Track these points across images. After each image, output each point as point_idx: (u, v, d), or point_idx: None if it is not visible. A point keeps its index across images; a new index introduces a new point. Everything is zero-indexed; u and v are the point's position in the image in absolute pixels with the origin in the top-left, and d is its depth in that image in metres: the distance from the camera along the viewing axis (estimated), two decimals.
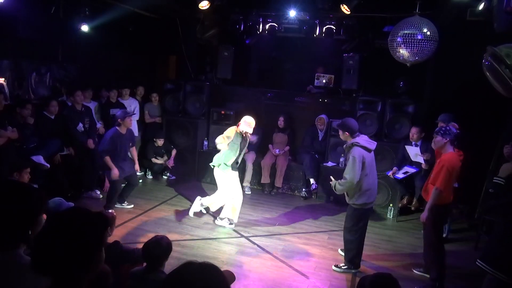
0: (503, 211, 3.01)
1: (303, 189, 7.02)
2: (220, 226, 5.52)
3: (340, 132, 4.42)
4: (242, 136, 5.43)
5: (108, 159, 5.47)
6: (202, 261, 1.29)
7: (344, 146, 4.45)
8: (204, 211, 5.85)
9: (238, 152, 5.46)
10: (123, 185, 5.98)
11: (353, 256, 4.47)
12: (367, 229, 4.62)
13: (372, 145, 4.34)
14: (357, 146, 4.23)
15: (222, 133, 5.49)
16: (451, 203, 4.29)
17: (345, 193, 4.41)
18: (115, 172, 5.51)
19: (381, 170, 6.34)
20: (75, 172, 6.16)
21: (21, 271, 1.50)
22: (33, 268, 1.32)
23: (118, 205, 6.00)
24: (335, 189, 4.36)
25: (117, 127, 5.58)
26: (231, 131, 5.39)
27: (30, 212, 1.66)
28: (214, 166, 5.50)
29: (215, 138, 5.44)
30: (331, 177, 4.54)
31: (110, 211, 5.63)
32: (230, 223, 5.54)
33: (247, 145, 5.68)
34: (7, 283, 1.57)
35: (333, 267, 4.55)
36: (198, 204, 5.72)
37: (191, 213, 5.74)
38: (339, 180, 4.32)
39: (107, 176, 5.81)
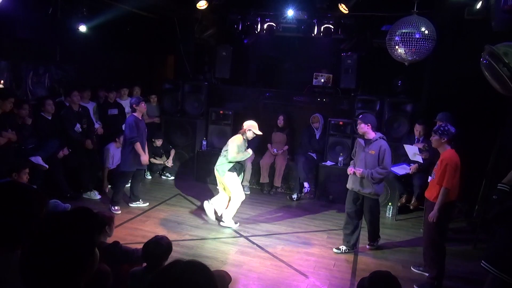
0: (509, 217, 3.02)
1: (296, 193, 6.91)
2: (226, 227, 5.50)
3: (362, 125, 4.65)
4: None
5: (138, 145, 5.62)
6: (188, 259, 1.28)
7: (372, 138, 4.64)
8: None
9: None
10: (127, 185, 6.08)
11: (376, 234, 5.08)
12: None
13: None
14: (383, 139, 4.65)
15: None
16: (456, 200, 4.32)
17: (364, 183, 4.68)
18: (144, 158, 5.72)
19: None
20: (74, 172, 6.16)
21: None
22: (24, 283, 1.26)
23: (133, 204, 6.06)
24: (371, 178, 4.59)
25: (134, 114, 5.74)
26: (239, 143, 5.39)
27: (31, 213, 1.66)
28: (224, 172, 5.47)
29: (232, 153, 5.36)
30: (354, 169, 4.72)
31: (115, 207, 5.74)
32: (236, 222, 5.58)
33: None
34: (7, 284, 1.56)
35: (368, 246, 5.09)
36: (229, 220, 5.53)
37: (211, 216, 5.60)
38: (377, 169, 4.57)
39: (121, 167, 5.87)
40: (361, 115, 4.87)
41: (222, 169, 5.45)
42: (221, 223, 5.53)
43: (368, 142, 4.67)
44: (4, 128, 5.04)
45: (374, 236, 5.10)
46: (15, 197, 1.65)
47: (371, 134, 4.65)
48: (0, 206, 1.62)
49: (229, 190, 5.50)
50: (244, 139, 5.45)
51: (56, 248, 1.26)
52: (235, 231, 5.41)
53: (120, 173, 5.95)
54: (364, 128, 4.65)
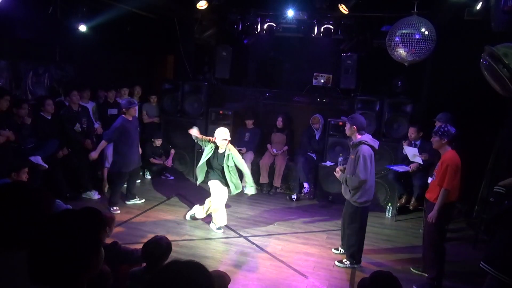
0: (507, 218, 3.02)
1: (296, 193, 6.92)
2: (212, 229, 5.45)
3: (348, 126, 4.45)
4: (216, 148, 5.28)
5: (103, 143, 5.68)
6: (187, 260, 1.29)
7: (351, 142, 4.47)
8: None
9: (204, 161, 5.33)
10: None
11: (354, 251, 4.59)
12: (366, 229, 4.67)
13: (376, 144, 4.44)
14: (365, 144, 4.30)
15: None
16: (456, 201, 4.32)
17: (346, 190, 4.50)
18: (93, 155, 5.70)
19: (379, 169, 6.36)
20: (73, 172, 6.16)
21: None
22: (31, 280, 1.28)
23: (130, 202, 6.10)
24: (346, 184, 4.45)
25: (123, 116, 5.75)
26: (206, 140, 5.32)
27: (39, 214, 1.65)
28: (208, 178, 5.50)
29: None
30: (338, 169, 4.65)
31: (114, 208, 5.77)
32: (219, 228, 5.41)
33: (223, 163, 5.28)
34: (15, 284, 1.56)
35: (336, 263, 4.65)
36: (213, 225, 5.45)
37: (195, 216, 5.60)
38: (350, 176, 4.38)
39: (112, 168, 5.88)
40: (350, 115, 4.60)
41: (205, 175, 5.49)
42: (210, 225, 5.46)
43: (355, 146, 4.41)
44: (2, 127, 5.03)
45: (347, 251, 4.63)
46: (23, 198, 1.65)
47: (356, 137, 4.40)
48: (8, 207, 1.62)
49: (212, 193, 5.36)
50: (215, 145, 5.25)
51: (62, 246, 1.28)
52: (234, 231, 5.41)
53: (115, 174, 5.97)
54: (349, 130, 4.44)
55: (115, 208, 5.81)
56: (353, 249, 4.58)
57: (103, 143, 5.74)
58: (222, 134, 5.19)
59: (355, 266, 4.60)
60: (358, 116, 4.60)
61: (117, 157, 5.83)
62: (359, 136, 4.39)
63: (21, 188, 1.73)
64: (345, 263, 4.62)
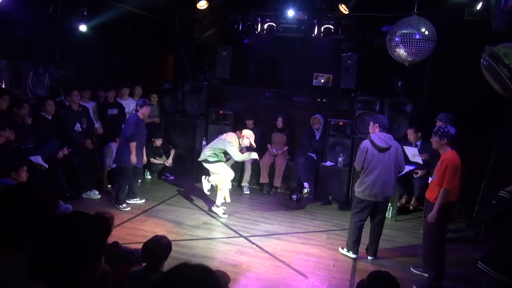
0: (506, 219, 3.02)
1: (296, 193, 6.92)
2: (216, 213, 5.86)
3: (371, 125, 4.74)
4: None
5: (134, 145, 5.74)
6: (196, 263, 1.28)
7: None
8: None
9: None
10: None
11: (348, 237, 4.86)
12: (367, 228, 4.69)
13: (383, 143, 4.51)
14: (368, 139, 4.62)
15: (221, 133, 5.69)
16: (456, 201, 4.34)
17: None
18: (133, 158, 5.76)
19: None
20: (73, 172, 6.16)
21: None
22: (30, 274, 1.28)
23: (131, 201, 6.11)
24: None
25: (137, 113, 5.86)
26: (236, 141, 5.62)
27: (43, 214, 1.65)
28: (205, 161, 5.75)
29: (233, 151, 5.56)
30: None
31: (123, 205, 5.84)
32: (224, 213, 5.85)
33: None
34: (15, 284, 1.56)
35: (340, 249, 4.94)
36: (207, 182, 5.93)
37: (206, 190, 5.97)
38: None
39: (121, 163, 5.86)
40: (374, 115, 4.97)
41: (213, 159, 5.69)
42: (213, 207, 5.92)
43: None
44: (2, 127, 5.03)
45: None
46: (28, 199, 1.65)
47: None
48: (11, 207, 1.62)
49: (218, 173, 5.74)
50: (239, 143, 5.65)
51: (64, 248, 1.29)
52: (234, 230, 5.41)
53: (120, 169, 5.95)
54: (372, 129, 4.71)
55: (123, 205, 5.88)
56: (348, 236, 4.86)
57: (132, 145, 5.71)
58: (253, 140, 5.72)
59: (352, 255, 4.79)
60: (381, 116, 4.98)
61: (123, 152, 5.80)
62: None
63: (25, 189, 1.73)
64: (344, 249, 4.90)
